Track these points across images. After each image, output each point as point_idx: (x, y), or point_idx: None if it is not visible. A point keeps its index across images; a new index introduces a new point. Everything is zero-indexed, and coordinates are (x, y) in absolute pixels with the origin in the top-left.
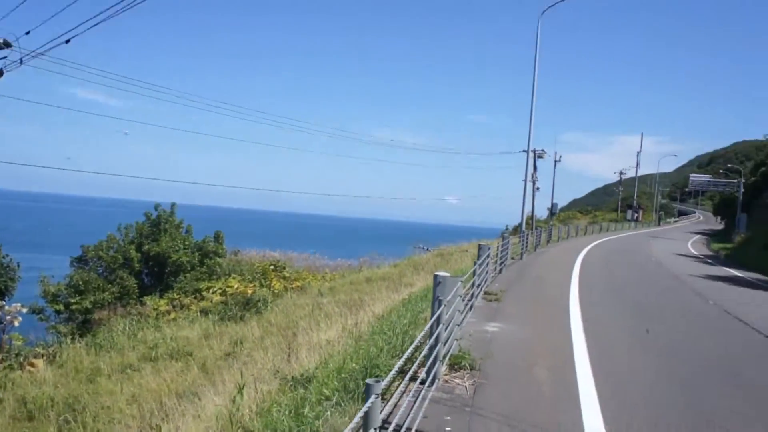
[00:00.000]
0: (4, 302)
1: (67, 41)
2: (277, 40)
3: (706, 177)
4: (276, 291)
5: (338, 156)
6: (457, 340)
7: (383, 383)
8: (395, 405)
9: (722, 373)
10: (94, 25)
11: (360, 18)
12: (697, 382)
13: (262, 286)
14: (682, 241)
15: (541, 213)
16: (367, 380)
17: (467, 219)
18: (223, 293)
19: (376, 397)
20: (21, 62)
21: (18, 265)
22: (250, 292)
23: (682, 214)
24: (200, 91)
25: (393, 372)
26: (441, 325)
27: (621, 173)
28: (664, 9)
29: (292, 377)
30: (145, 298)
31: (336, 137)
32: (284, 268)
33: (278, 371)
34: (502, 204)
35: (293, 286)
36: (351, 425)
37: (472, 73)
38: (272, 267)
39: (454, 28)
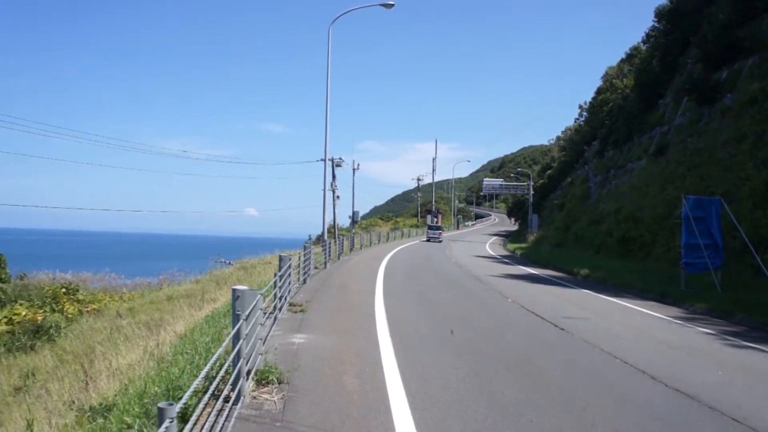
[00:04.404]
0: None
1: None
2: (46, 39)
3: (499, 181)
4: (70, 316)
5: (126, 169)
6: (261, 354)
7: (178, 406)
8: (202, 427)
9: (522, 366)
10: None
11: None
12: (499, 377)
13: (53, 311)
14: (480, 243)
15: (343, 221)
16: (159, 404)
17: (270, 230)
18: (10, 322)
19: (171, 422)
20: None
21: None
22: (40, 318)
23: (479, 217)
24: None
25: (189, 393)
26: (242, 340)
27: (418, 179)
28: (441, 20)
29: (90, 407)
30: None
31: (122, 149)
32: (78, 290)
33: (74, 402)
34: (305, 214)
35: (89, 309)
36: None
37: (267, 81)
38: (64, 290)
39: (243, 36)
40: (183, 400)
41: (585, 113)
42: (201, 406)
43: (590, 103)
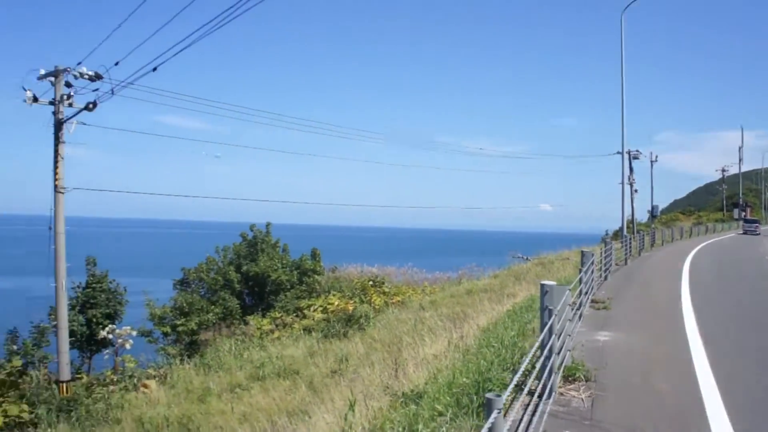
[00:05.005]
0: (115, 326)
1: (154, 69)
2: (355, 50)
3: None
4: (376, 306)
5: (426, 168)
6: (569, 350)
7: (504, 397)
8: (511, 419)
9: None
10: (177, 53)
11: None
12: None
13: (362, 302)
14: None
15: (641, 216)
16: (488, 395)
17: (564, 225)
18: (325, 311)
19: (499, 413)
20: (112, 92)
21: (124, 290)
22: (351, 308)
23: None
24: (282, 108)
25: (511, 386)
26: (553, 336)
27: (723, 170)
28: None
29: (402, 393)
30: (248, 317)
31: (417, 148)
32: (383, 283)
33: (388, 387)
34: (599, 208)
35: (393, 300)
36: None
37: (558, 76)
38: (371, 282)
39: (533, 33)
40: (507, 393)
41: None
42: (517, 401)
43: None
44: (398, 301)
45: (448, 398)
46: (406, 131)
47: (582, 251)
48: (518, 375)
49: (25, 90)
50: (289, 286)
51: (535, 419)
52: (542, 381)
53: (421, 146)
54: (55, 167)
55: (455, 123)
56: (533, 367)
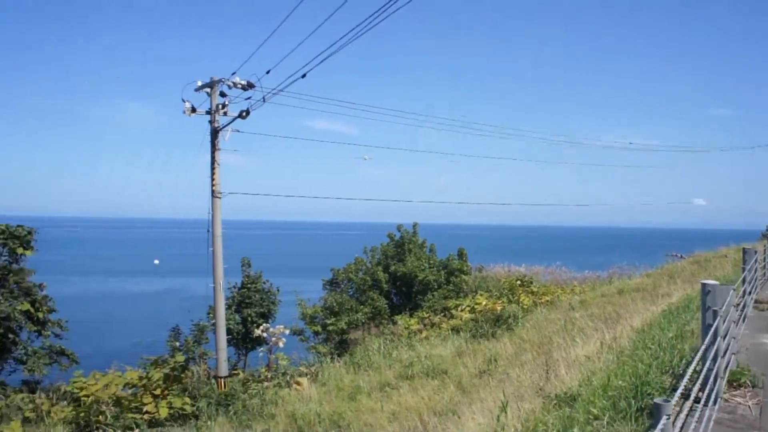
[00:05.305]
0: (269, 324)
1: (303, 76)
2: (485, 44)
3: None
4: (525, 306)
5: (570, 164)
6: (734, 354)
7: (672, 403)
8: (672, 425)
9: None
10: (323, 60)
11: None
12: None
13: (510, 302)
14: None
15: None
16: (656, 400)
17: (721, 221)
18: (472, 310)
19: (668, 419)
20: (264, 100)
21: (277, 290)
22: (499, 308)
23: None
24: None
25: (679, 391)
26: (718, 338)
27: None
28: None
29: (555, 395)
30: (396, 317)
31: (558, 144)
32: (531, 282)
33: (541, 389)
34: (753, 202)
35: (542, 300)
36: None
37: (714, 64)
38: (519, 282)
39: (688, 18)
40: (675, 397)
41: None
42: (680, 407)
43: None
44: (546, 301)
45: (603, 401)
46: (549, 126)
47: (744, 248)
48: (685, 379)
49: (184, 102)
50: (436, 286)
51: (701, 427)
52: (707, 386)
53: (566, 142)
54: (212, 173)
55: (601, 116)
56: (695, 371)
